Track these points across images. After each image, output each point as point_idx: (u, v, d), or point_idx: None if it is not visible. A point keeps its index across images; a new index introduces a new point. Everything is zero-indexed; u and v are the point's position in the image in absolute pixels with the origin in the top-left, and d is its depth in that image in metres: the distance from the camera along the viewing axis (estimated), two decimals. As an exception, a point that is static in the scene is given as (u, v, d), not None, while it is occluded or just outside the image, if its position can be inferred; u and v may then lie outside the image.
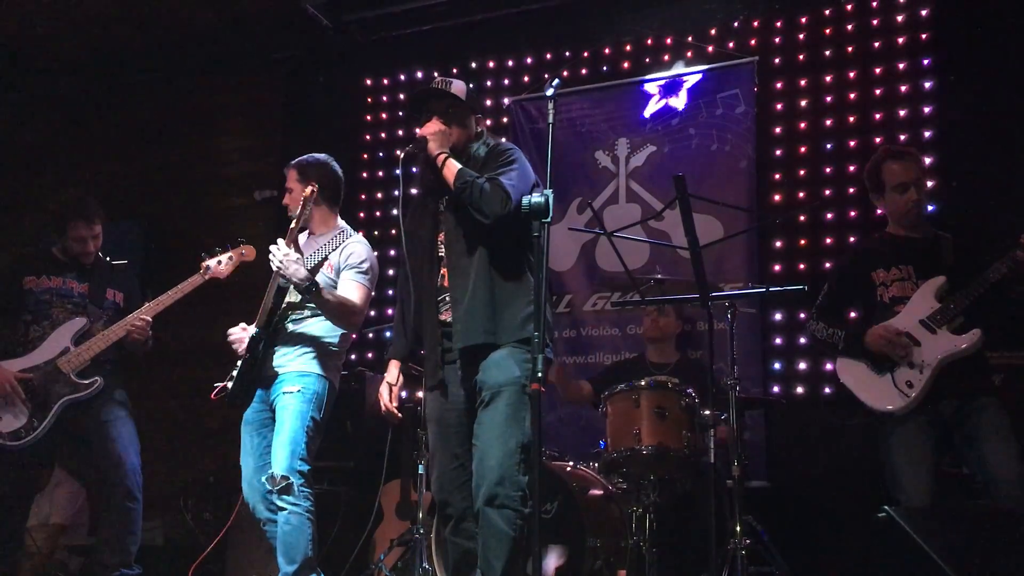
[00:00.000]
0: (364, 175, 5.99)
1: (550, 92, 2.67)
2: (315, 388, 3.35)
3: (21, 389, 3.73)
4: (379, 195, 5.93)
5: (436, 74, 3.23)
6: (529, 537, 2.42)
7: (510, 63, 5.71)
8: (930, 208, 4.23)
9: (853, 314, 3.51)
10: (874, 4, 4.88)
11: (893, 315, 3.23)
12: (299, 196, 3.43)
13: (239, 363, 3.36)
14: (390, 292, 5.60)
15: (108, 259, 4.19)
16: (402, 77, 6.02)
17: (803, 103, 4.94)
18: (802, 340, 4.70)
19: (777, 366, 4.74)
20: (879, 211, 3.61)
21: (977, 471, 3.09)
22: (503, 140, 3.11)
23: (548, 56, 5.63)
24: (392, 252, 5.72)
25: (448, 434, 2.87)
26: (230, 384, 3.34)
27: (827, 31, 4.96)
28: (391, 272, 5.59)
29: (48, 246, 4.12)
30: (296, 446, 3.24)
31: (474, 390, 2.81)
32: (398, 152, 5.85)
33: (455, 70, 5.86)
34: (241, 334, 3.43)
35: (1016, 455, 3.00)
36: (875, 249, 3.44)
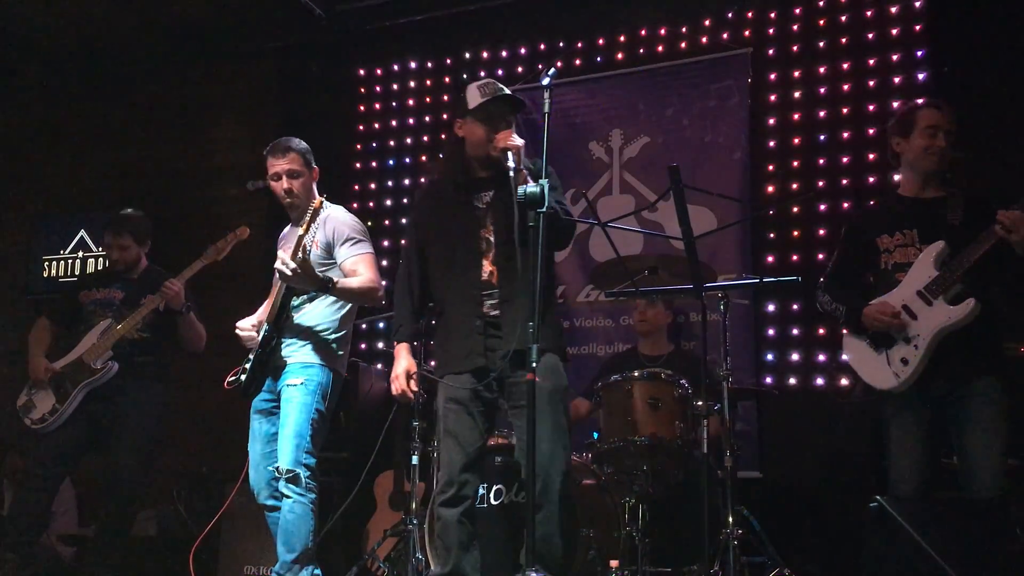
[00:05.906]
0: (358, 165, 5.98)
1: (546, 81, 2.66)
2: (319, 379, 3.35)
3: (49, 378, 4.12)
4: (372, 185, 5.91)
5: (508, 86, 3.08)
6: (526, 527, 2.43)
7: (504, 53, 5.70)
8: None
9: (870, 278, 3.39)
10: (868, -5, 4.88)
11: (895, 283, 3.15)
12: (309, 183, 3.48)
13: (251, 356, 3.36)
14: (384, 283, 5.55)
15: (161, 271, 4.39)
16: (395, 67, 6.00)
17: (797, 94, 4.94)
18: (795, 331, 4.72)
19: (770, 357, 4.76)
20: (896, 176, 3.52)
21: (958, 459, 3.05)
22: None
23: (542, 46, 5.61)
24: (386, 243, 5.69)
25: (476, 415, 2.91)
26: (243, 377, 3.34)
27: (821, 22, 4.96)
28: (385, 263, 5.56)
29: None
30: (301, 439, 3.25)
31: (509, 383, 2.88)
32: (392, 143, 5.92)
33: (448, 60, 5.86)
34: (251, 331, 3.43)
35: (997, 447, 2.94)
36: (879, 213, 3.36)
